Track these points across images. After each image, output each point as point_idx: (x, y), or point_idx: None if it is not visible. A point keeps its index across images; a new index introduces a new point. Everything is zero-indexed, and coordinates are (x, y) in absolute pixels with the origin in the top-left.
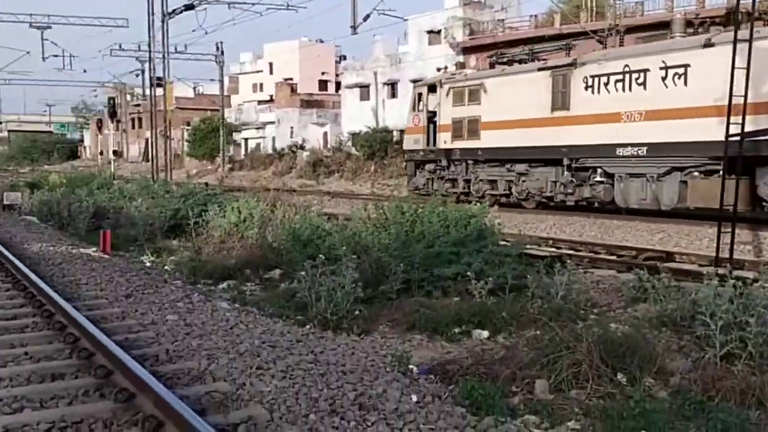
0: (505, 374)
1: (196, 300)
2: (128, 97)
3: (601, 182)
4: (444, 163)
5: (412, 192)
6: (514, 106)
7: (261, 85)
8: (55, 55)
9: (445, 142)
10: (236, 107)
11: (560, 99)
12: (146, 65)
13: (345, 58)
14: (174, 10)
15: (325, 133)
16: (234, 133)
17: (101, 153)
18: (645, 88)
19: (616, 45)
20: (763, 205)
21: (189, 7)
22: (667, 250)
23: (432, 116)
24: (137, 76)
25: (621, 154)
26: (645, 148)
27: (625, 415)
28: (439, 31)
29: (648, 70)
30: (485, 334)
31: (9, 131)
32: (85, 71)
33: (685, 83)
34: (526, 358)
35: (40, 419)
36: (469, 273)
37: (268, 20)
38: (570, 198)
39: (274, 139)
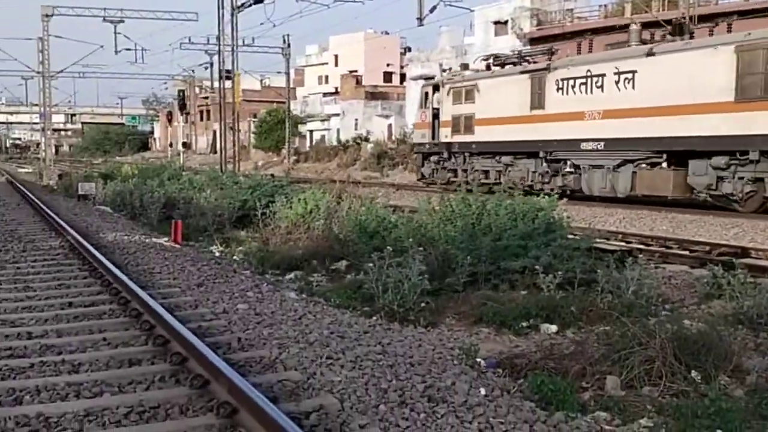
0: (575, 369)
1: (265, 290)
2: (197, 90)
3: (571, 172)
4: (445, 155)
5: (419, 180)
6: (501, 105)
7: (326, 77)
8: (128, 49)
9: (446, 137)
10: (302, 99)
11: (537, 99)
12: (215, 58)
13: (410, 49)
14: (243, 4)
15: (390, 125)
16: (299, 125)
17: (171, 145)
18: (603, 90)
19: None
20: (693, 191)
21: (258, 1)
22: (742, 246)
23: (436, 113)
24: (206, 69)
25: (584, 148)
26: (603, 143)
27: (700, 414)
28: (505, 22)
29: (605, 75)
30: (554, 328)
31: (83, 123)
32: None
33: (633, 87)
34: (596, 353)
35: (119, 403)
36: (537, 266)
37: (334, 12)
38: (546, 187)
39: (338, 131)
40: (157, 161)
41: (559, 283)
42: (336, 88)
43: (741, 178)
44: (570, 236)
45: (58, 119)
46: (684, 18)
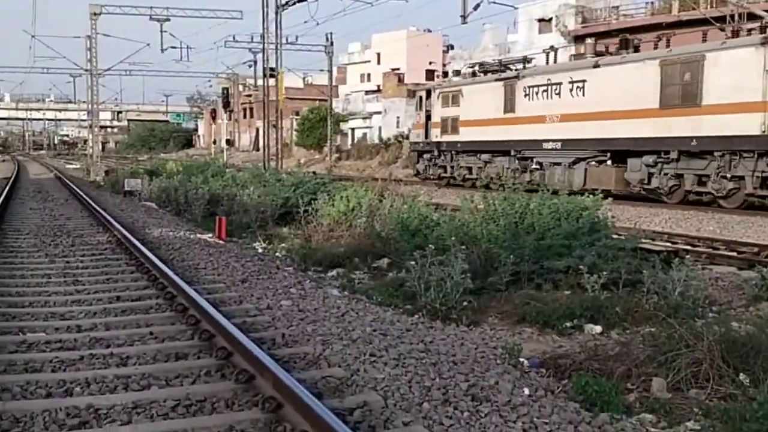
0: (620, 371)
1: (307, 287)
2: (240, 88)
3: (536, 169)
4: (435, 153)
5: (415, 176)
6: (481, 109)
7: (368, 75)
8: (173, 47)
9: (436, 137)
10: (344, 97)
11: (509, 104)
12: (259, 56)
13: (453, 47)
14: (287, 2)
15: None
16: (341, 123)
17: (214, 142)
18: (560, 97)
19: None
20: (629, 185)
21: None
22: None
23: (429, 115)
24: (250, 67)
25: (545, 147)
26: (560, 143)
27: (748, 417)
28: (550, 19)
29: (561, 83)
30: (598, 328)
31: (129, 120)
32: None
33: (584, 94)
34: (642, 355)
35: (167, 396)
36: (581, 266)
37: (377, 10)
38: (517, 182)
39: (380, 128)
40: (201, 158)
41: (604, 284)
42: (378, 86)
43: (666, 174)
44: (615, 236)
45: (105, 116)
46: (733, 15)
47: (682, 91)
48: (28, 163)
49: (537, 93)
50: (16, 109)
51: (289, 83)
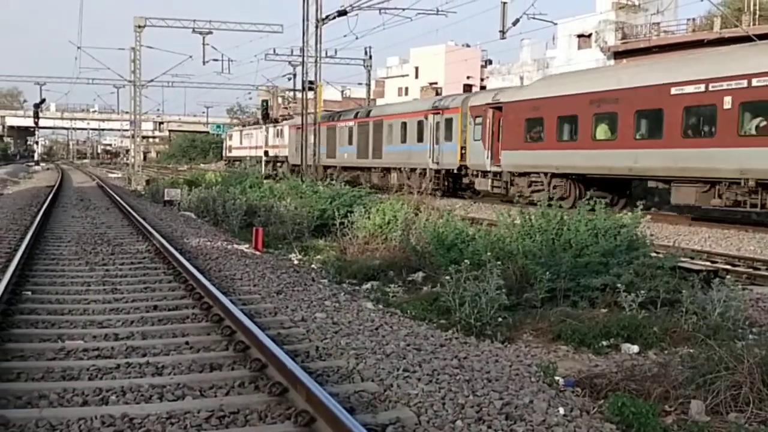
0: (658, 392)
1: (342, 299)
2: (280, 100)
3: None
4: (227, 161)
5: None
6: (241, 143)
7: (406, 88)
8: (215, 59)
9: (229, 153)
10: None
11: (241, 140)
12: (298, 69)
13: (491, 62)
14: (327, 16)
15: None
16: None
17: None
18: (259, 139)
19: None
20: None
21: (342, 13)
22: None
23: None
24: (289, 79)
25: (266, 159)
26: (267, 157)
27: None
28: (589, 35)
29: (269, 130)
30: (635, 348)
31: (170, 131)
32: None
33: (255, 138)
34: (680, 376)
35: (201, 407)
36: (618, 284)
37: (416, 25)
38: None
39: None
40: (240, 169)
41: (642, 303)
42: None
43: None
44: (653, 254)
45: (147, 127)
46: None
47: (273, 140)
48: (72, 171)
49: (248, 136)
50: (62, 118)
51: (327, 96)
